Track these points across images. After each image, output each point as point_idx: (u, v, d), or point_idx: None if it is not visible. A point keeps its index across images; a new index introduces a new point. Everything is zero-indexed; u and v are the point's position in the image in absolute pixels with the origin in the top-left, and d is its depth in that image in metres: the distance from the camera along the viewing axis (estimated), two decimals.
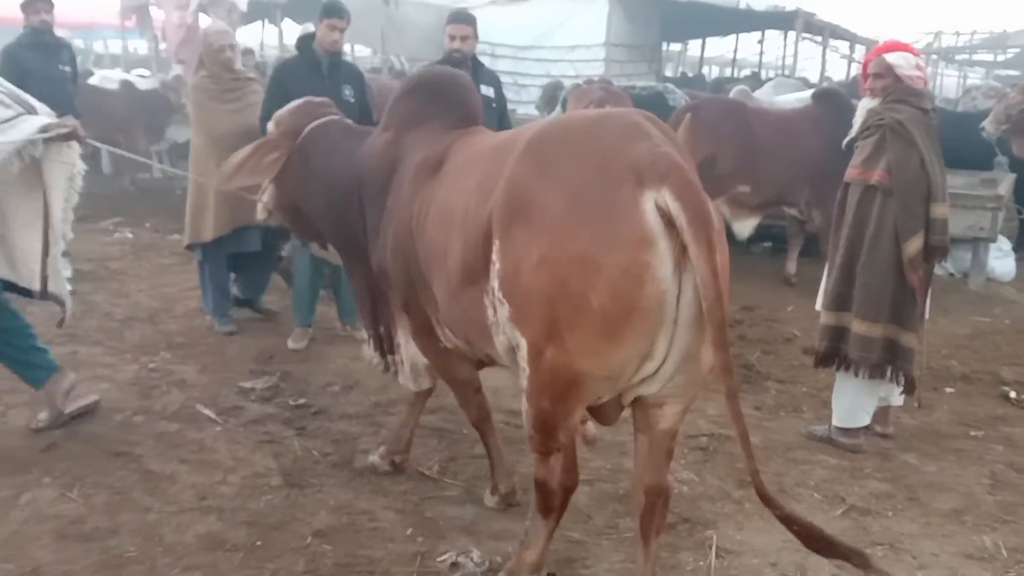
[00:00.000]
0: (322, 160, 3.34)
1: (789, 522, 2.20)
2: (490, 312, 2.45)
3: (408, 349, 3.26)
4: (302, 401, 4.14)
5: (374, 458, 3.49)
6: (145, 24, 16.58)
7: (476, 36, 4.78)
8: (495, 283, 2.35)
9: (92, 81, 9.84)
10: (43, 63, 5.42)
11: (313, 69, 4.65)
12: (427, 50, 15.52)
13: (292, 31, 16.31)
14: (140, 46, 19.89)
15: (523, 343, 2.33)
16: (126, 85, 9.60)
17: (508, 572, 2.73)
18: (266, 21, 16.80)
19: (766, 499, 2.19)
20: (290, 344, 4.86)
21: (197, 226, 4.90)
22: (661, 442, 2.48)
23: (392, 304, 3.22)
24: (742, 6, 12.65)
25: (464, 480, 3.44)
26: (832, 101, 6.38)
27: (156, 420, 3.85)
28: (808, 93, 8.31)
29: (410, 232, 2.82)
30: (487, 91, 4.64)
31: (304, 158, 3.41)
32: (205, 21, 14.92)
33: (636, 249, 2.10)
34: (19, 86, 5.24)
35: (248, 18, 15.14)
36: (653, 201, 2.10)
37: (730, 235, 6.36)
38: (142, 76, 10.80)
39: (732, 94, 8.37)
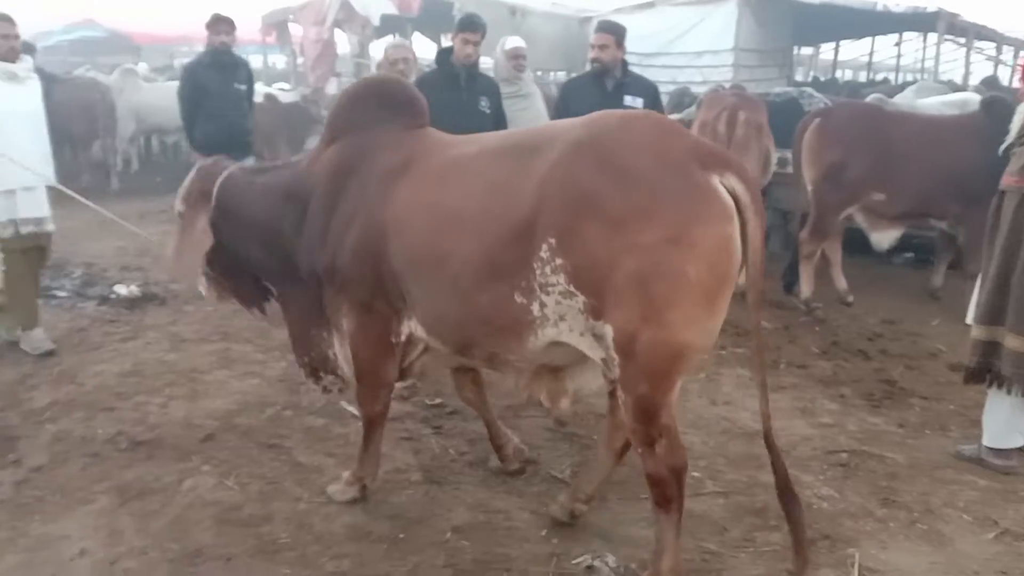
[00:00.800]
0: (242, 202, 3.32)
1: (782, 483, 2.62)
2: (535, 307, 2.55)
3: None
4: (438, 401, 4.26)
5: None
6: (284, 40, 17.47)
7: (618, 46, 4.81)
8: (559, 277, 2.46)
9: None
10: (220, 82, 5.74)
11: (451, 82, 4.80)
12: (553, 60, 15.69)
13: (421, 44, 16.83)
14: (279, 61, 20.93)
15: (607, 331, 2.44)
16: (270, 98, 10.14)
17: None
18: (396, 35, 17.38)
19: (771, 447, 2.63)
20: None
21: None
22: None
23: (329, 311, 3.18)
24: (879, 8, 12.14)
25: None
26: (1000, 109, 5.91)
27: (303, 415, 4.05)
28: (954, 97, 7.91)
29: (384, 235, 2.84)
30: (633, 102, 4.65)
31: (225, 212, 3.34)
32: (340, 36, 15.60)
33: (724, 224, 2.38)
34: (196, 103, 5.59)
35: (380, 32, 15.70)
36: (723, 181, 2.40)
37: (868, 246, 6.16)
38: (283, 89, 11.36)
39: (868, 100, 8.04)
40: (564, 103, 4.92)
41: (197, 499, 3.27)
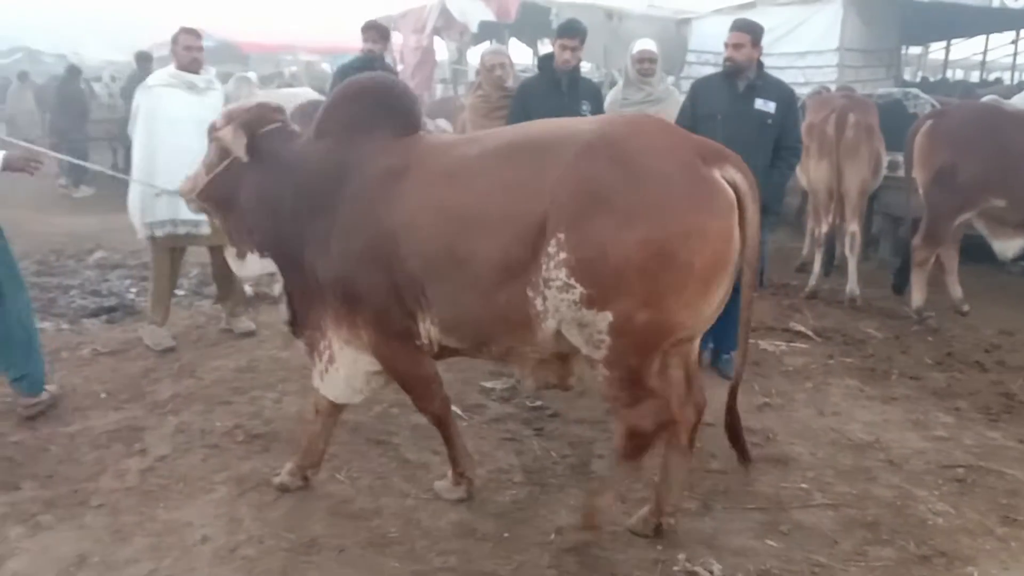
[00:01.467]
0: (265, 165, 3.20)
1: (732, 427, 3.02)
2: (538, 301, 2.67)
3: (345, 358, 3.16)
4: (539, 403, 4.30)
5: (282, 478, 3.35)
6: (385, 47, 17.88)
7: (754, 45, 4.54)
8: (560, 272, 2.58)
9: None
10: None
11: (553, 87, 4.84)
12: None
13: (518, 50, 16.96)
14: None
15: (600, 319, 2.60)
16: None
17: (584, 514, 3.01)
18: (493, 41, 17.57)
19: (732, 401, 2.98)
20: None
21: None
22: (693, 369, 3.00)
23: (328, 315, 3.11)
24: (995, 4, 11.57)
25: (701, 493, 3.43)
26: None
27: (410, 413, 4.12)
28: None
29: (395, 240, 2.83)
30: (764, 106, 4.47)
31: (257, 159, 3.22)
32: (439, 44, 15.87)
33: (727, 215, 2.60)
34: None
35: (478, 39, 15.89)
36: (723, 175, 2.62)
37: (983, 253, 5.89)
38: None
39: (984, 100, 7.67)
40: (692, 103, 4.68)
41: (310, 492, 3.39)
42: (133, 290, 6.45)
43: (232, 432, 3.88)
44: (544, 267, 2.61)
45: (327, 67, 24.19)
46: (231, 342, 5.15)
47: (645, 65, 5.14)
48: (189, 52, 4.88)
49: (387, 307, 2.96)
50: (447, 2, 15.09)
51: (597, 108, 4.95)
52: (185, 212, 4.81)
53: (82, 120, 12.38)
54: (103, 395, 4.31)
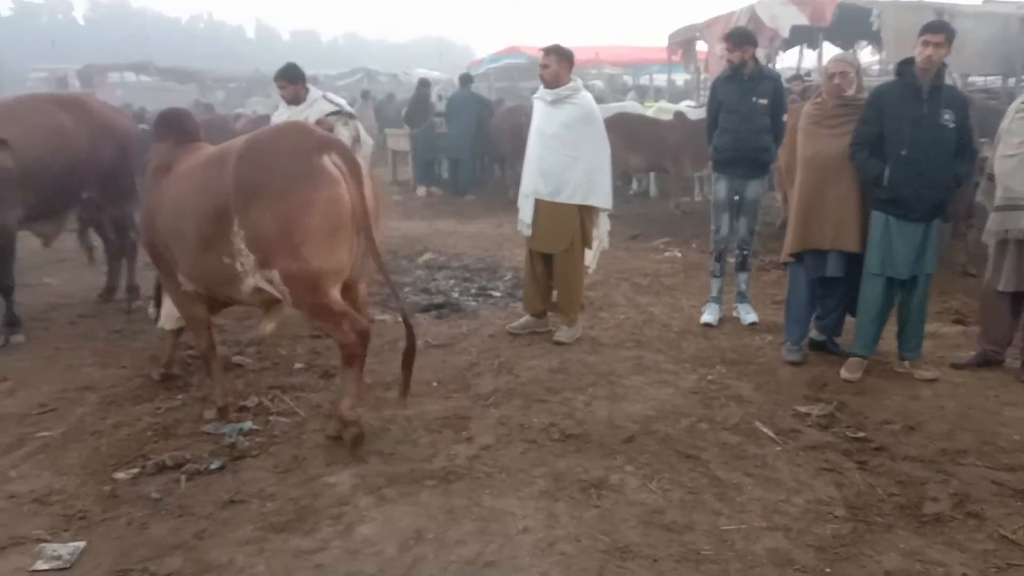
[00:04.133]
0: None
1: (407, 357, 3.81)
2: (237, 266, 3.74)
3: (166, 300, 4.55)
4: (861, 435, 4.02)
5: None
6: (689, 57, 17.77)
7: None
8: (242, 245, 3.66)
9: (649, 113, 10.88)
10: (737, 95, 5.61)
11: (911, 93, 4.50)
12: (984, 64, 13.95)
13: (830, 55, 15.95)
14: (680, 78, 21.37)
15: (276, 274, 3.63)
16: (679, 116, 10.41)
17: (338, 419, 3.87)
18: (804, 46, 16.76)
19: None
20: (843, 374, 4.74)
21: (786, 242, 5.06)
22: (360, 302, 4.04)
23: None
24: None
25: None
26: None
27: (718, 430, 4.08)
28: None
29: (155, 217, 4.10)
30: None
31: None
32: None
33: (332, 187, 3.53)
34: (714, 115, 5.82)
35: (789, 44, 15.25)
36: (331, 159, 3.57)
37: None
38: (690, 106, 11.56)
39: None
40: (877, 112, 4.58)
41: (622, 497, 3.45)
42: (456, 290, 7.00)
43: (548, 429, 4.07)
44: (235, 242, 3.67)
45: (628, 80, 24.66)
46: (542, 343, 5.40)
47: (835, 81, 4.77)
48: (545, 69, 5.34)
49: (161, 260, 4.25)
50: (756, 7, 14.64)
51: (962, 118, 4.52)
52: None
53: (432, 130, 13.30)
54: (434, 384, 4.73)
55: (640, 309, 6.23)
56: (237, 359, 5.13)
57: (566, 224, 5.33)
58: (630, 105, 12.49)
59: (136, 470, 3.69)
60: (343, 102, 6.48)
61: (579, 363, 5.01)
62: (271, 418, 4.28)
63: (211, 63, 38.10)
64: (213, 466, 3.73)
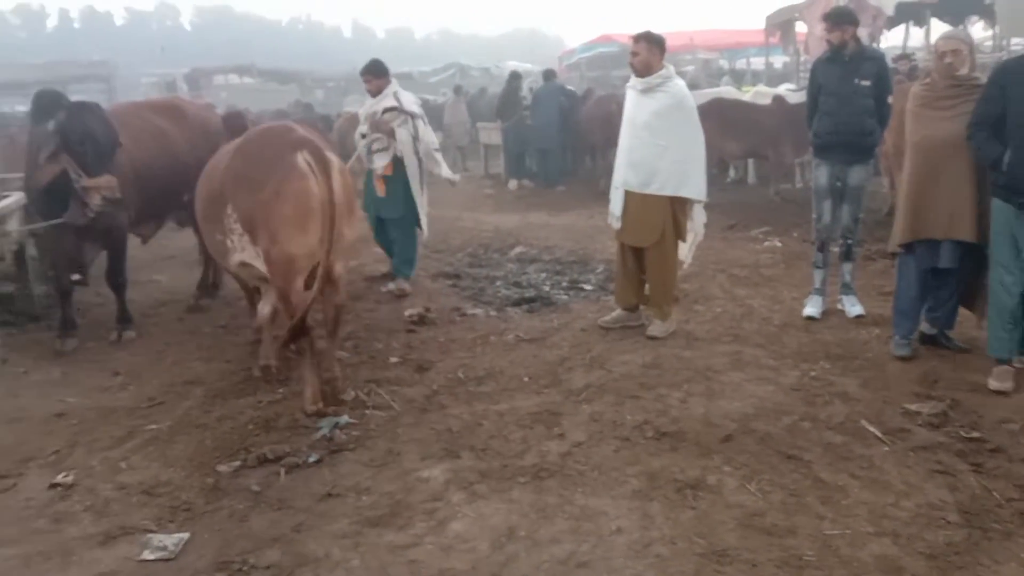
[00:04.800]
0: None
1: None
2: (228, 242, 4.51)
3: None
4: (976, 435, 3.79)
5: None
6: (788, 39, 17.20)
7: None
8: (234, 225, 4.40)
9: (746, 98, 10.57)
10: (838, 77, 5.37)
11: None
12: None
13: (939, 32, 15.18)
14: (778, 61, 20.71)
15: (260, 252, 4.27)
16: (778, 100, 10.05)
17: (306, 412, 4.27)
18: (911, 23, 15.97)
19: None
20: (992, 384, 4.30)
21: (894, 231, 4.83)
22: (335, 286, 4.44)
23: None
24: None
25: None
26: None
27: (821, 429, 3.92)
28: None
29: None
30: None
31: None
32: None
33: (302, 180, 4.12)
34: (814, 99, 5.59)
35: (894, 22, 14.56)
36: (303, 156, 4.16)
37: None
38: (791, 90, 11.17)
39: None
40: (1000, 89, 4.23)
41: (720, 498, 3.34)
42: (548, 283, 6.96)
43: (642, 427, 3.98)
44: (228, 221, 4.42)
45: (724, 64, 24.06)
46: (635, 337, 5.31)
47: (947, 60, 4.50)
48: (634, 57, 5.23)
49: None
50: None
51: None
52: None
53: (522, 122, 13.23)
54: (525, 379, 4.70)
55: (738, 302, 6.05)
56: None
57: (656, 217, 5.21)
58: (726, 90, 12.15)
59: (238, 463, 3.81)
60: (410, 99, 6.70)
61: (674, 358, 4.90)
62: (367, 412, 4.35)
63: (310, 63, 39.15)
64: (311, 459, 3.81)
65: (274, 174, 4.13)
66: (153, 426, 4.27)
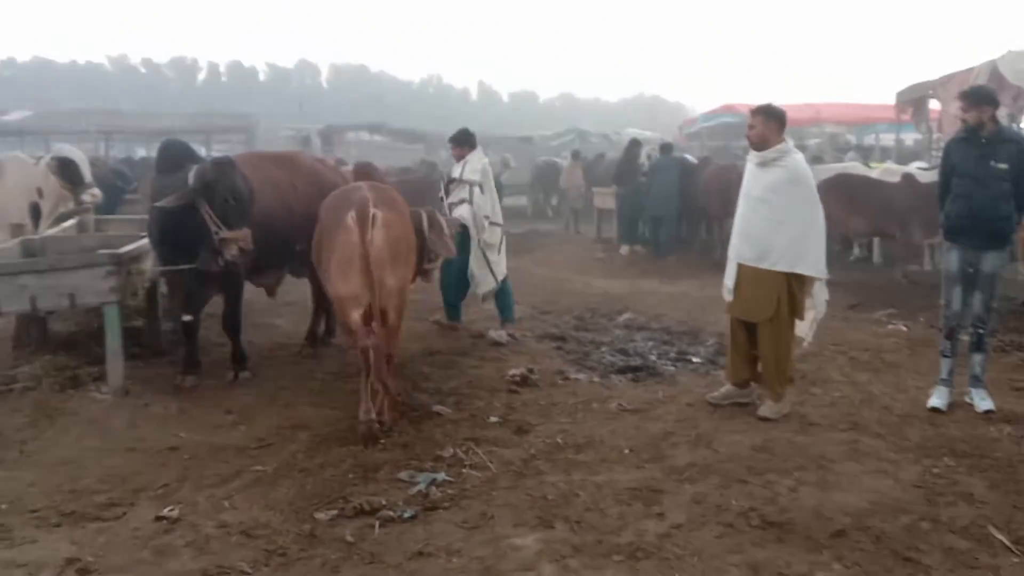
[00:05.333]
0: None
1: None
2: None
3: None
4: None
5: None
6: (920, 116, 16.62)
7: None
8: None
9: (874, 175, 10.22)
10: (973, 159, 5.13)
11: None
12: None
13: None
14: (909, 138, 20.01)
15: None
16: (908, 178, 9.67)
17: (362, 422, 4.76)
18: None
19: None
20: None
21: None
22: (389, 327, 4.99)
23: None
24: None
25: None
26: None
27: (943, 532, 3.63)
28: None
29: None
30: None
31: None
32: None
33: (346, 233, 4.86)
34: (947, 180, 5.36)
35: None
36: (352, 214, 4.87)
37: None
38: (922, 168, 10.73)
39: None
40: None
41: None
42: (655, 352, 6.84)
43: (747, 514, 3.79)
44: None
45: (852, 139, 23.41)
46: (746, 417, 5.10)
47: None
48: (749, 131, 5.24)
49: None
50: (999, 63, 13.42)
51: None
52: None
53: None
54: (626, 451, 4.59)
55: (858, 387, 5.75)
56: (437, 408, 5.27)
57: (770, 292, 5.06)
58: (852, 165, 11.79)
59: (335, 511, 3.85)
60: (474, 168, 7.27)
61: (786, 442, 4.67)
62: (464, 470, 4.33)
63: (438, 124, 40.52)
64: (406, 515, 3.82)
65: (333, 227, 4.99)
66: (259, 467, 4.39)
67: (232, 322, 6.02)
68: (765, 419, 5.04)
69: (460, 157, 7.35)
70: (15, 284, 5.35)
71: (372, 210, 4.82)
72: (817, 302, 5.24)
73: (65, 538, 3.63)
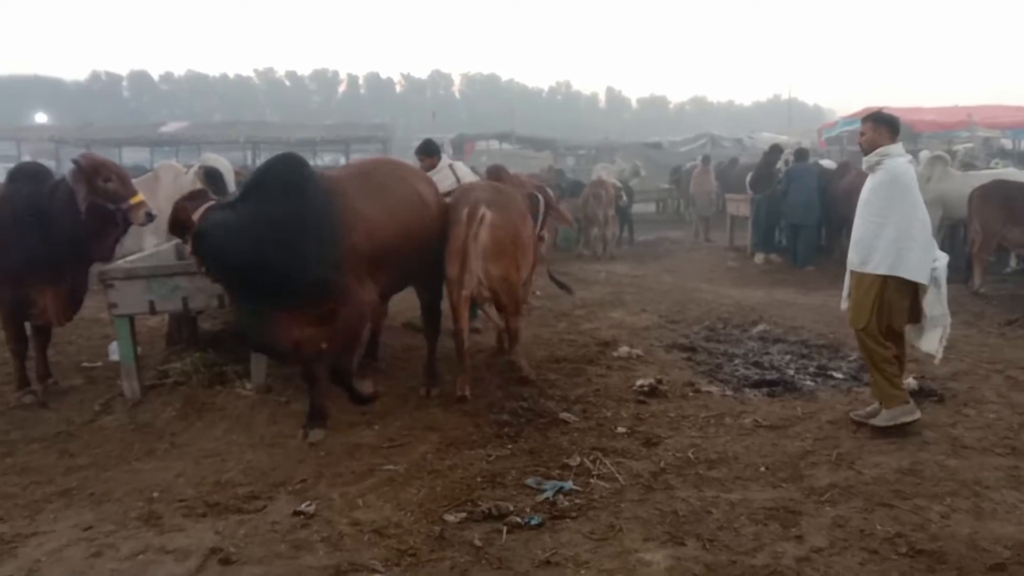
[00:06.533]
0: None
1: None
2: None
3: None
4: None
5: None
6: None
7: None
8: None
9: None
10: None
11: None
12: None
13: None
14: None
15: None
16: None
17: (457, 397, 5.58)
18: None
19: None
20: None
21: None
22: (507, 312, 5.85)
23: None
24: None
25: None
26: None
27: None
28: None
29: None
30: None
31: None
32: None
33: (456, 226, 5.49)
34: None
35: None
36: (465, 210, 5.48)
37: None
38: None
39: None
40: None
41: None
42: (792, 366, 6.56)
43: (894, 540, 3.56)
44: None
45: (1008, 143, 21.87)
46: (893, 438, 4.79)
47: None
48: (860, 138, 5.12)
49: None
50: None
51: None
52: None
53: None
54: (762, 468, 4.40)
55: (1016, 409, 5.32)
56: (563, 415, 5.24)
57: (867, 298, 4.90)
58: (1011, 172, 10.98)
59: (464, 514, 3.87)
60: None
61: (936, 466, 4.37)
62: (591, 480, 4.27)
63: (566, 131, 40.72)
64: (533, 522, 3.80)
65: (452, 220, 5.54)
66: (390, 467, 4.48)
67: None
68: (876, 427, 4.88)
69: (431, 167, 7.14)
70: (170, 285, 5.71)
71: (482, 210, 5.47)
72: (932, 315, 4.91)
73: (209, 528, 3.82)
